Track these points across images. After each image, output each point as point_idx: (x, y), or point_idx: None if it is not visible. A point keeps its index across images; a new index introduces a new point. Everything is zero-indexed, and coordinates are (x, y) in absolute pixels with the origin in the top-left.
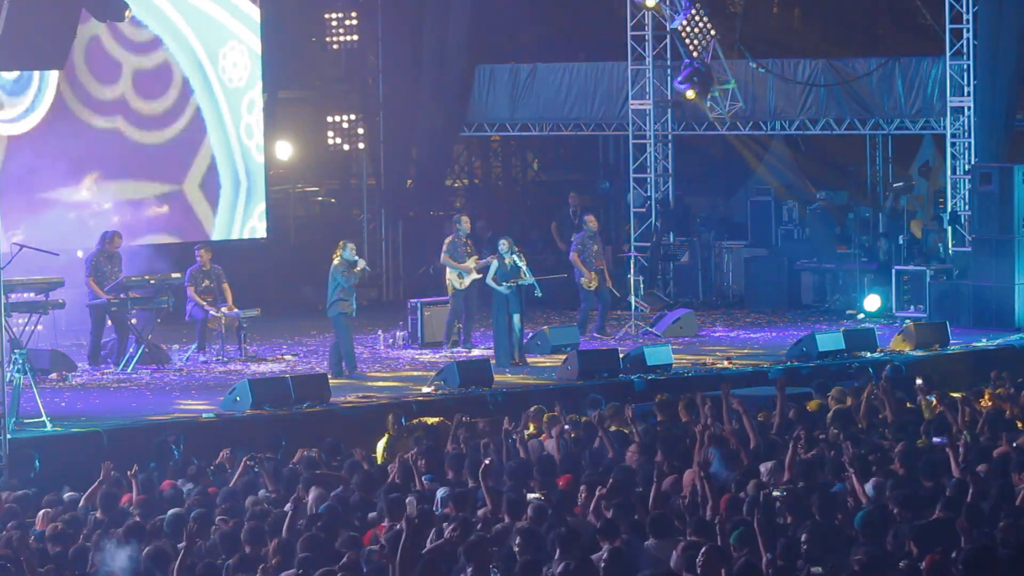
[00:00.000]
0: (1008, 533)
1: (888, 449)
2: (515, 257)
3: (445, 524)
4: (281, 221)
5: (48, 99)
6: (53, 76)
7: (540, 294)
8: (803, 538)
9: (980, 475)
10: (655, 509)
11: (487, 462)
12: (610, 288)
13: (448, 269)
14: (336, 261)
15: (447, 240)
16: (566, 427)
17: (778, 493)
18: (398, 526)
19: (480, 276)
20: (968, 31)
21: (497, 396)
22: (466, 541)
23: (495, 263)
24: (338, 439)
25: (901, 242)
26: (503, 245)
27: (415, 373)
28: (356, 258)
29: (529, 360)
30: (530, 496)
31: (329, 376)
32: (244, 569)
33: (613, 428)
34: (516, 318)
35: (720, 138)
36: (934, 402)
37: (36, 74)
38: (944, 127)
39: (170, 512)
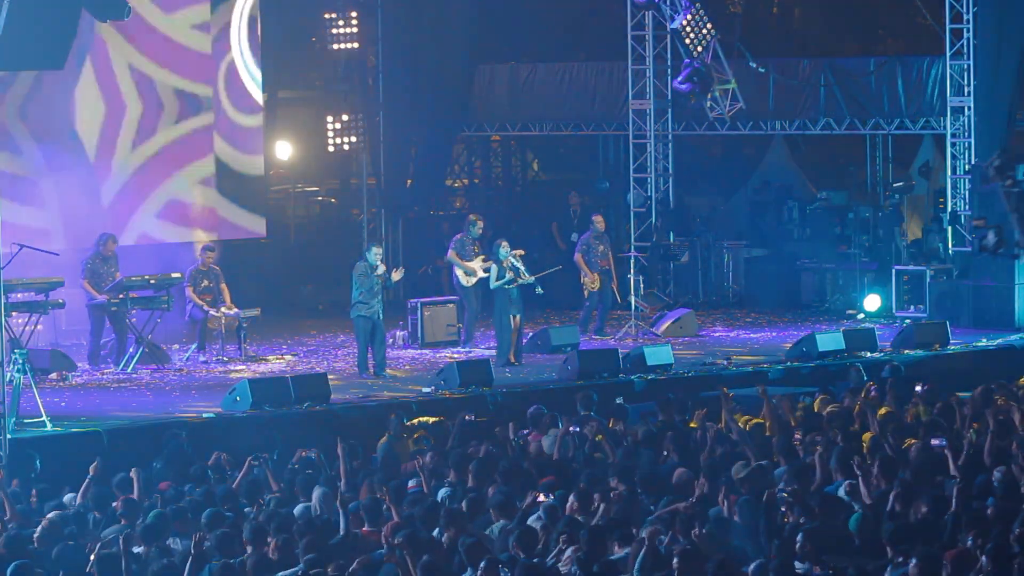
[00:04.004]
0: None
1: (888, 451)
2: (512, 258)
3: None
4: (281, 221)
5: None
6: None
7: (541, 291)
8: (799, 538)
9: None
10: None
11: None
12: (614, 290)
13: (455, 267)
14: (358, 262)
15: (455, 238)
16: (572, 428)
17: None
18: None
19: (485, 276)
20: (968, 31)
21: (497, 396)
22: (466, 543)
23: (495, 267)
24: (355, 443)
25: (901, 242)
26: (502, 248)
27: (416, 372)
28: (377, 262)
29: (529, 360)
30: (540, 499)
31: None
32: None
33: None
34: (518, 318)
35: (720, 138)
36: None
37: None
38: (944, 127)
39: (152, 512)
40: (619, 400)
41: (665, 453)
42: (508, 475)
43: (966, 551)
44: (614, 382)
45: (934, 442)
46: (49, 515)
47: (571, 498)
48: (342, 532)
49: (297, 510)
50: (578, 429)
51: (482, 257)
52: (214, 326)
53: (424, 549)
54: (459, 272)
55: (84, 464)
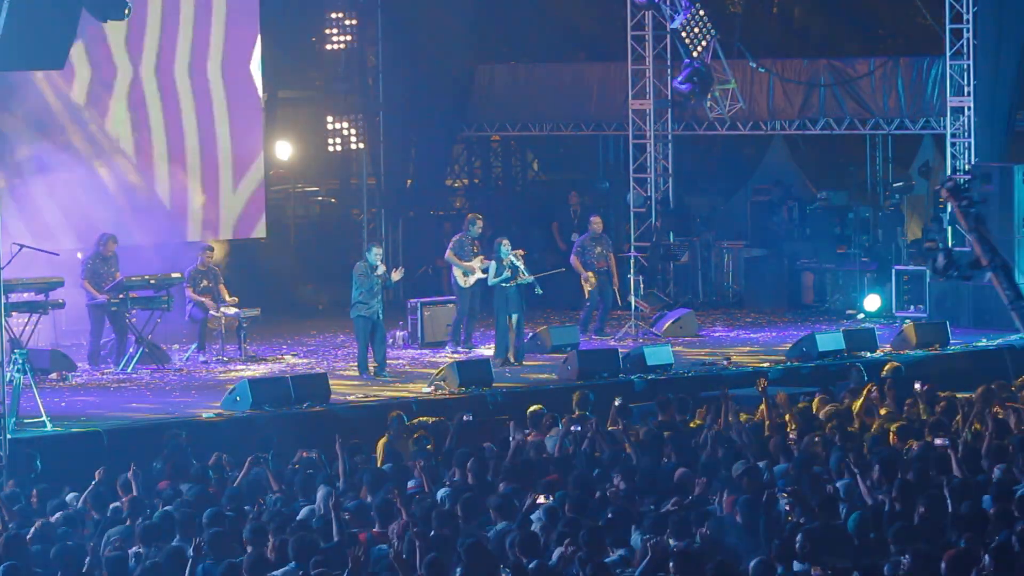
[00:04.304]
0: None
1: (891, 450)
2: (512, 257)
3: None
4: (281, 221)
5: None
6: None
7: (540, 291)
8: (799, 538)
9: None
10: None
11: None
12: (615, 291)
13: (454, 267)
14: (358, 262)
15: (455, 238)
16: (574, 428)
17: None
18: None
19: (484, 276)
20: (968, 31)
21: (497, 396)
22: (465, 544)
23: (494, 264)
24: (359, 442)
25: (901, 242)
26: (503, 246)
27: (422, 369)
28: (377, 262)
29: (529, 360)
30: (540, 500)
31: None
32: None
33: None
34: (515, 318)
35: (720, 138)
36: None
37: None
38: (944, 127)
39: (158, 512)
40: (618, 400)
41: (665, 460)
42: (508, 475)
43: (964, 551)
44: (614, 382)
45: (937, 442)
46: (47, 515)
47: (570, 499)
48: (336, 534)
49: (303, 513)
50: (579, 428)
51: (481, 257)
52: (214, 326)
53: (434, 548)
54: (457, 272)
55: (84, 464)
